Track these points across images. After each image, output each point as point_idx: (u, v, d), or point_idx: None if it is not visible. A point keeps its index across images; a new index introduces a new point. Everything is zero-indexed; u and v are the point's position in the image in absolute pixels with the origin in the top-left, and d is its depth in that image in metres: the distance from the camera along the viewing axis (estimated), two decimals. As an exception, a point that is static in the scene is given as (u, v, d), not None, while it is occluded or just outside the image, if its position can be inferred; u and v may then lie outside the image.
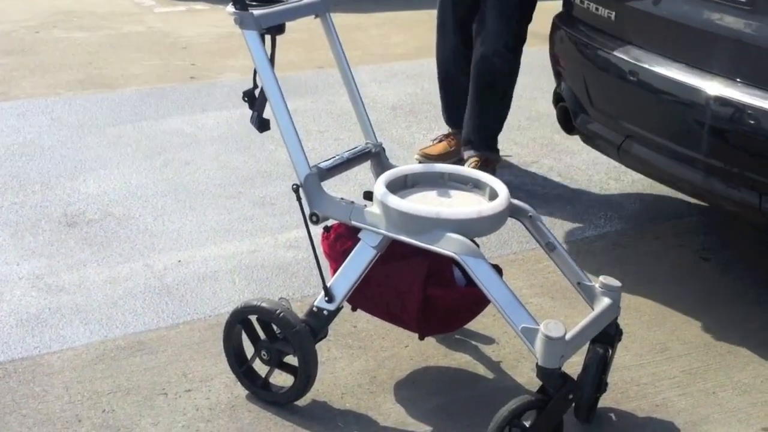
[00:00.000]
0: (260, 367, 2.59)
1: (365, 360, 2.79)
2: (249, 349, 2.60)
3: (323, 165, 2.50)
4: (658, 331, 2.96)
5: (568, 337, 2.21)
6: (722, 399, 2.64)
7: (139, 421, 2.52)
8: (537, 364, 2.22)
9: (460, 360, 2.80)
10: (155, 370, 2.73)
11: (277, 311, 2.45)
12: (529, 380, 2.69)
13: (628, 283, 2.49)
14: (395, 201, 2.32)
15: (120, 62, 5.86)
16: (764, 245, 3.60)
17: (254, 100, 2.49)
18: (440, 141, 4.26)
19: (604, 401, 2.54)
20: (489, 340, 2.89)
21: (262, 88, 2.45)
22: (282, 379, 2.57)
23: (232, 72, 5.65)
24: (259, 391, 2.59)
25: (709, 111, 2.87)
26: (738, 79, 2.81)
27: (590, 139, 3.50)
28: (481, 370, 2.76)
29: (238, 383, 2.63)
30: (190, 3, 7.52)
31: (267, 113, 2.47)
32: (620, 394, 2.63)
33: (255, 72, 2.45)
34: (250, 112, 2.52)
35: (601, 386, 2.47)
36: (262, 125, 2.49)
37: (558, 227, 3.61)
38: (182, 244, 3.48)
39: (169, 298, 3.11)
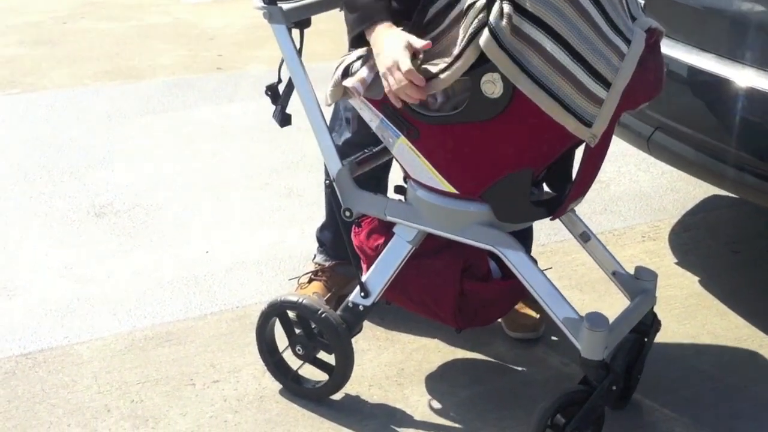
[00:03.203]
0: (289, 358, 2.59)
1: (393, 352, 2.79)
2: (280, 339, 2.59)
3: (354, 159, 2.49)
4: (688, 325, 2.93)
5: (609, 328, 2.20)
6: (754, 394, 2.62)
7: (167, 411, 2.53)
8: (580, 355, 2.20)
9: (488, 352, 2.79)
10: (183, 361, 2.74)
11: (320, 311, 2.44)
12: (558, 373, 2.68)
13: (658, 275, 2.47)
14: (430, 195, 2.30)
15: (147, 53, 5.88)
16: (796, 238, 3.57)
17: (277, 94, 2.48)
18: (310, 281, 3.00)
19: (635, 394, 2.53)
20: (517, 333, 2.88)
21: (287, 83, 2.44)
22: (310, 371, 2.57)
23: (259, 63, 5.65)
24: (290, 384, 2.59)
25: (740, 102, 2.83)
26: (769, 70, 2.78)
27: (619, 131, 3.47)
28: (509, 362, 2.75)
29: (266, 374, 2.63)
30: (216, -6, 7.53)
31: (290, 108, 2.46)
32: (651, 387, 2.60)
33: (279, 66, 2.44)
34: (277, 103, 2.52)
35: (633, 374, 2.45)
36: (284, 120, 2.48)
37: (587, 218, 3.54)
38: (210, 235, 3.49)
39: (197, 289, 3.12)
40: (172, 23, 6.64)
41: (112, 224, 3.57)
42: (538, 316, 2.84)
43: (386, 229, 2.45)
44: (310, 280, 3.00)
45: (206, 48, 6.03)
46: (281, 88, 2.47)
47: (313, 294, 2.85)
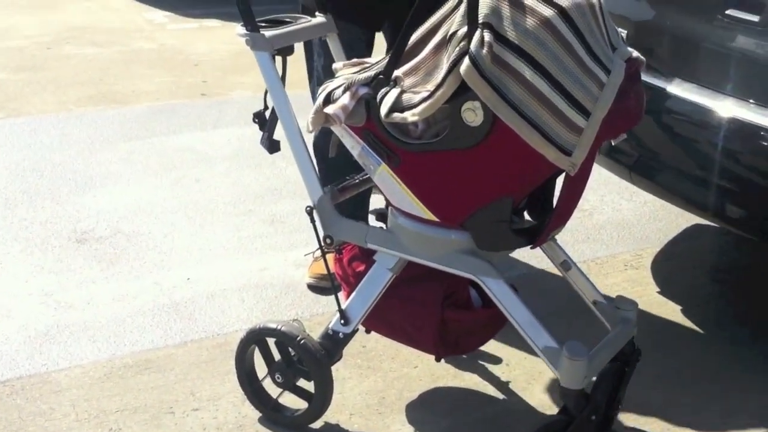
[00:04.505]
0: (269, 386, 2.57)
1: (374, 380, 2.77)
2: (260, 367, 2.58)
3: (336, 186, 2.48)
4: (670, 354, 2.93)
5: (589, 357, 2.19)
6: (736, 424, 2.61)
7: (146, 440, 2.51)
8: (559, 384, 2.19)
9: (470, 381, 2.78)
10: (163, 389, 2.71)
11: (298, 338, 2.43)
12: (540, 402, 2.67)
13: (640, 304, 2.47)
14: (411, 223, 2.29)
15: (131, 78, 5.87)
16: (777, 267, 3.58)
17: (265, 121, 2.48)
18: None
19: (614, 424, 2.51)
20: (499, 361, 2.87)
21: (272, 109, 2.44)
22: (291, 399, 2.55)
23: (243, 89, 5.65)
24: (270, 412, 2.57)
25: (721, 132, 2.84)
26: (751, 100, 2.79)
27: (601, 159, 3.48)
28: (491, 391, 2.74)
29: (246, 403, 2.61)
30: (201, 20, 7.54)
31: (277, 134, 2.46)
32: (632, 417, 2.60)
33: (265, 93, 2.44)
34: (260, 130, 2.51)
35: (614, 404, 2.45)
36: (273, 146, 2.48)
37: (569, 247, 3.58)
38: (191, 262, 3.47)
39: (178, 316, 3.10)
40: (157, 49, 6.64)
41: (93, 250, 3.55)
42: None
43: (367, 257, 2.44)
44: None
45: (191, 74, 6.03)
46: (268, 114, 2.47)
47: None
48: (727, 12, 2.83)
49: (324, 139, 2.86)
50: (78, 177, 4.24)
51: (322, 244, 2.42)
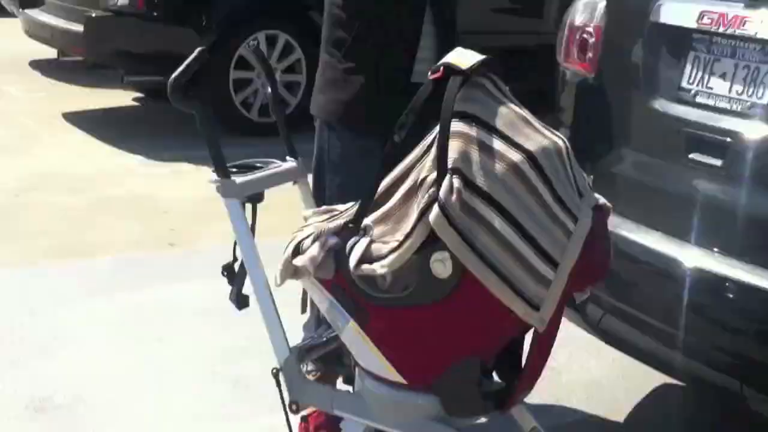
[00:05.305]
0: None
1: None
2: None
3: (303, 345, 2.43)
4: None
5: None
6: None
7: None
8: None
9: None
10: None
11: None
12: None
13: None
14: (378, 386, 2.21)
15: (99, 228, 5.82)
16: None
17: (233, 274, 2.45)
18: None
19: None
20: None
21: (241, 262, 2.40)
22: None
23: (212, 238, 5.59)
24: None
25: (686, 284, 2.80)
26: (715, 249, 2.75)
27: (568, 314, 3.42)
28: None
29: None
30: (173, 163, 7.51)
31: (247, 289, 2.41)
32: None
33: (234, 244, 2.40)
34: (229, 283, 2.47)
35: None
36: (241, 302, 2.45)
37: (537, 411, 3.47)
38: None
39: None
40: (126, 196, 6.60)
41: (51, 420, 3.44)
42: None
43: (335, 425, 2.37)
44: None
45: (160, 221, 5.98)
46: (237, 267, 2.44)
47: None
48: (691, 156, 2.82)
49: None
50: (38, 338, 4.15)
51: (288, 410, 2.35)
